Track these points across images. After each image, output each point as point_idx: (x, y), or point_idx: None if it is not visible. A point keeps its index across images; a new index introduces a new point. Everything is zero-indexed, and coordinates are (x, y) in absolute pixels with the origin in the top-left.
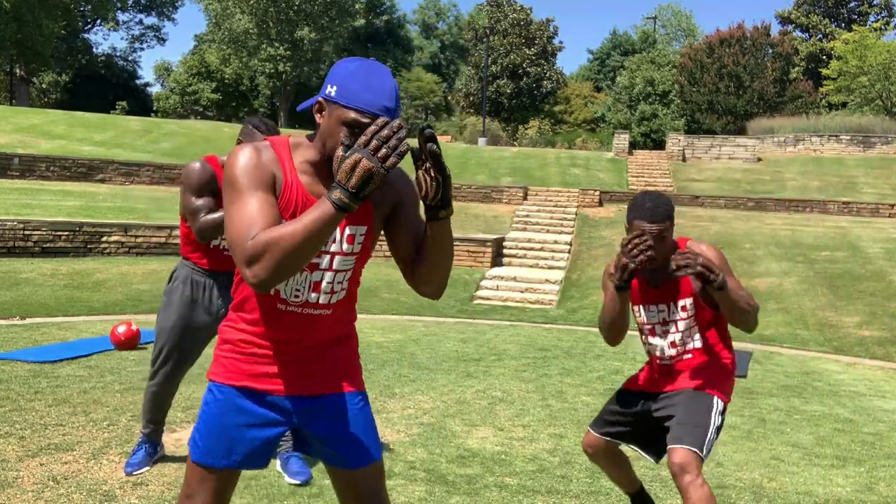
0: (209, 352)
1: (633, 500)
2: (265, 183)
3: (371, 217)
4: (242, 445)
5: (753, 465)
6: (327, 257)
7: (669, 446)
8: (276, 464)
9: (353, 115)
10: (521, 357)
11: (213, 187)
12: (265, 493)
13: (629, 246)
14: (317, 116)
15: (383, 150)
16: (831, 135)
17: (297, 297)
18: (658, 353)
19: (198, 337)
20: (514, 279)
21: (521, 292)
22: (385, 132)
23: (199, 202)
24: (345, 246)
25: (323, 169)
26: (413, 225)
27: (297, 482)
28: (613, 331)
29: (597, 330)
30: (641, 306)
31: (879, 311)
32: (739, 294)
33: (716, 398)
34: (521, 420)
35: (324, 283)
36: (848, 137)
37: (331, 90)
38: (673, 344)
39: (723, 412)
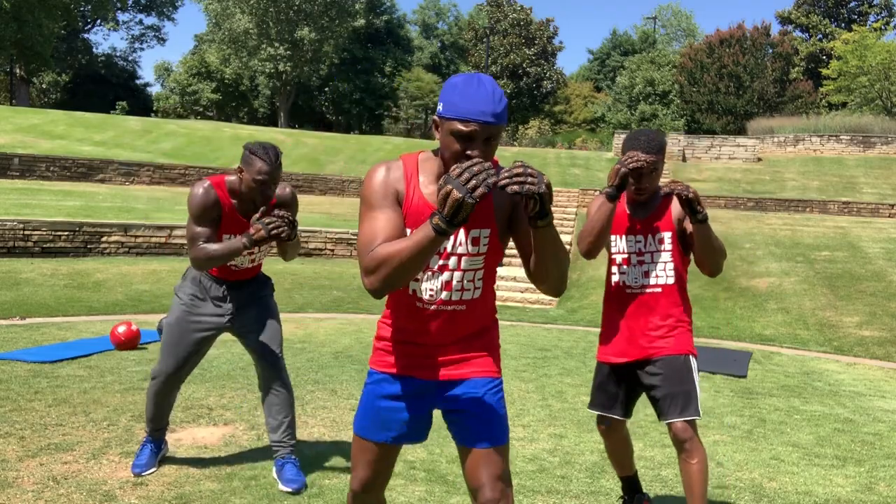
0: (220, 352)
1: (624, 484)
2: (390, 199)
3: (493, 220)
4: (394, 424)
5: (753, 465)
6: (454, 259)
7: (669, 420)
8: (273, 470)
9: (457, 125)
10: (521, 357)
11: (214, 214)
12: (265, 493)
13: (626, 156)
14: (435, 134)
15: (472, 182)
16: (831, 135)
17: (431, 296)
18: (630, 282)
19: (198, 336)
20: (514, 279)
21: (521, 292)
22: (476, 168)
23: (198, 230)
24: (470, 248)
25: None
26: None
27: (290, 490)
28: (596, 239)
29: (597, 330)
30: (622, 236)
31: (879, 311)
32: (716, 239)
33: (690, 357)
34: (521, 420)
35: (454, 283)
36: (848, 137)
37: (440, 107)
38: (646, 274)
39: (696, 365)
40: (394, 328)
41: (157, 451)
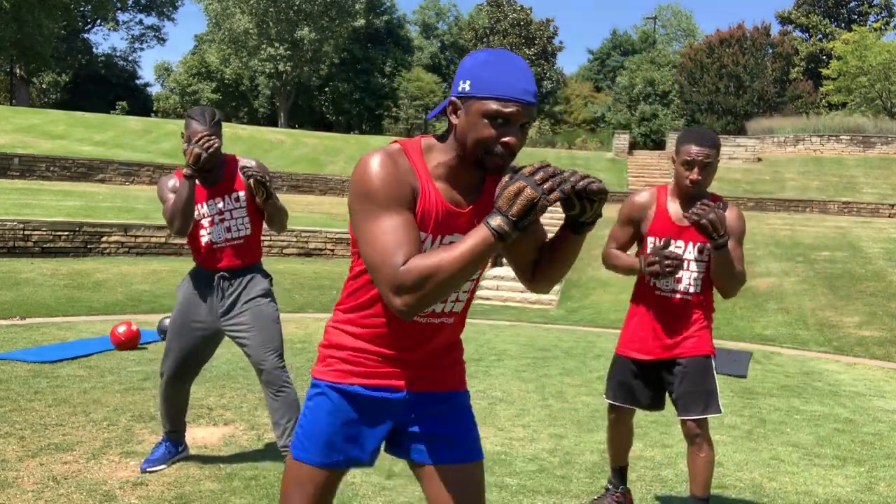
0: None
1: (614, 473)
2: (406, 199)
3: None
4: (348, 443)
5: (753, 465)
6: None
7: (685, 417)
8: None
9: (493, 105)
10: (521, 357)
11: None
12: (265, 494)
13: (663, 261)
14: (452, 118)
15: (549, 183)
16: (831, 135)
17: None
18: (661, 285)
19: (195, 335)
20: (515, 279)
21: (521, 292)
22: (551, 169)
23: (165, 205)
24: None
25: (460, 172)
26: (538, 234)
27: None
28: (620, 272)
29: (597, 330)
30: (660, 238)
31: (879, 311)
32: (736, 264)
33: (711, 358)
34: (521, 420)
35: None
36: (848, 137)
37: (464, 86)
38: (679, 280)
39: (714, 364)
40: (366, 337)
41: (172, 451)
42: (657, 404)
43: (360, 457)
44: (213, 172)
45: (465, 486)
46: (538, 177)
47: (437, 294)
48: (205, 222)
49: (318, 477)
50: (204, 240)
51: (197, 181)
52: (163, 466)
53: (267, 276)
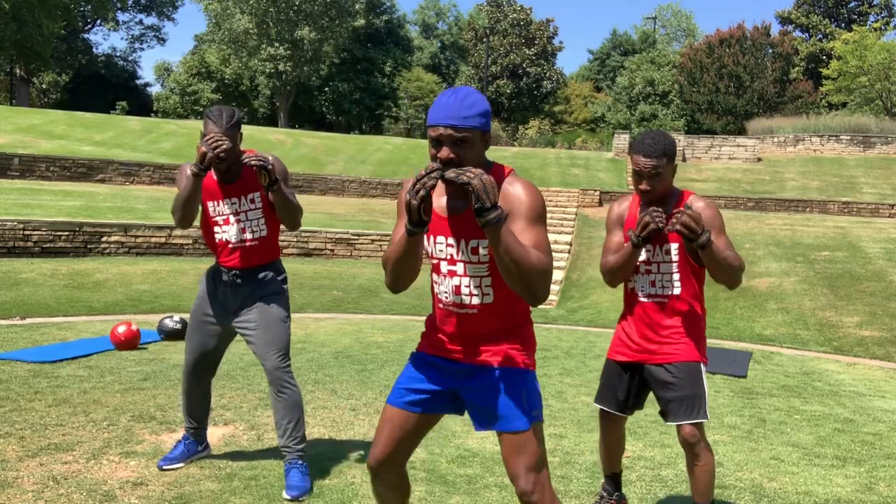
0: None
1: (607, 480)
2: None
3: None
4: (415, 391)
5: (753, 465)
6: (461, 265)
7: (678, 423)
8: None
9: (429, 132)
10: None
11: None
12: (265, 494)
13: (655, 213)
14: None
15: (417, 186)
16: (831, 135)
17: (446, 298)
18: (639, 290)
19: (207, 330)
20: None
21: None
22: (423, 174)
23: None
24: (471, 256)
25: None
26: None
27: (288, 497)
28: (614, 279)
29: (597, 330)
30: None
31: (879, 311)
32: (725, 253)
33: (700, 364)
34: None
35: (462, 288)
36: (848, 137)
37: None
38: (652, 283)
39: (704, 372)
40: (431, 320)
41: (192, 450)
42: (636, 404)
43: (424, 403)
44: (230, 171)
45: (511, 450)
46: (411, 183)
47: (390, 275)
48: (220, 220)
49: (396, 418)
50: (219, 237)
51: (216, 179)
52: (181, 465)
53: (281, 274)
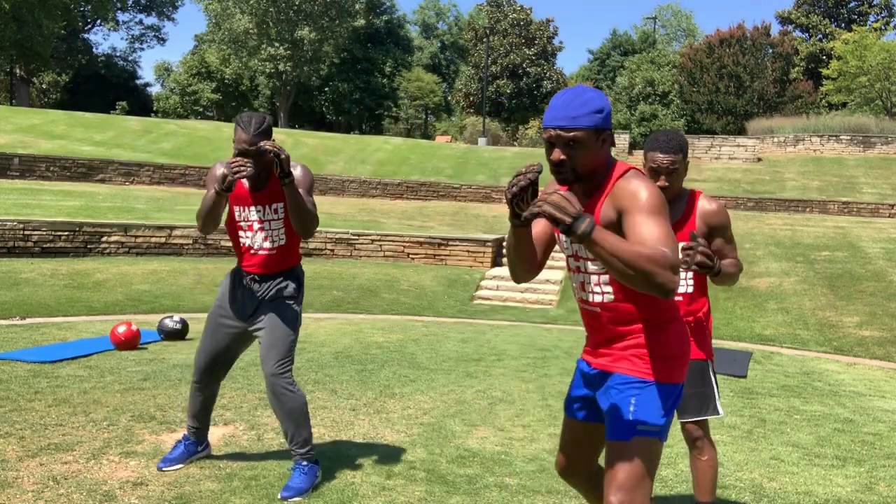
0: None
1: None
2: None
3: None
4: (572, 400)
5: (753, 465)
6: (584, 262)
7: (687, 420)
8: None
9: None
10: (521, 357)
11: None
12: (265, 493)
13: (692, 252)
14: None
15: (511, 182)
16: (831, 135)
17: (576, 294)
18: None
19: (223, 331)
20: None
21: (522, 292)
22: (520, 172)
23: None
24: (587, 252)
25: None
26: (539, 231)
27: (279, 497)
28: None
29: None
30: None
31: (879, 311)
32: (731, 271)
33: (707, 363)
34: (521, 420)
35: (586, 285)
36: (848, 137)
37: None
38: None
39: (712, 369)
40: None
41: (192, 450)
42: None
43: (582, 411)
44: (259, 179)
45: (610, 460)
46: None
47: (509, 263)
48: (244, 225)
49: (568, 426)
50: (243, 242)
51: (246, 186)
52: (180, 466)
53: (297, 279)
